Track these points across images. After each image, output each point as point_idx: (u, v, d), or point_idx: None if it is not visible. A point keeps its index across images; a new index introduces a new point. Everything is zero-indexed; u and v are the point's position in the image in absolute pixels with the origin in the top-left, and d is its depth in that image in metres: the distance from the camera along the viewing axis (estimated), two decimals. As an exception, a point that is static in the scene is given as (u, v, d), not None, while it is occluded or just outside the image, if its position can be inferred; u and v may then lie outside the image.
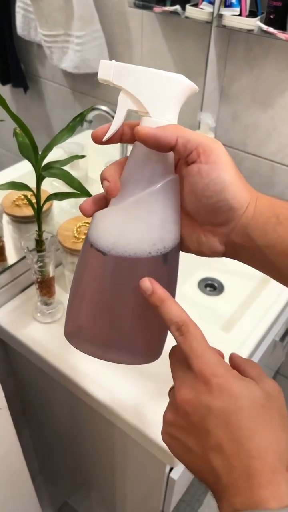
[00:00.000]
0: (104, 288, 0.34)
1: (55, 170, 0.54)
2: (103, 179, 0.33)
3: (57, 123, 1.04)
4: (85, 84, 1.04)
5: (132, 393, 0.63)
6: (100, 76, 0.32)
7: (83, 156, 0.60)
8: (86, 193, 0.53)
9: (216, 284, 0.97)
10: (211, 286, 0.97)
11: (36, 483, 1.17)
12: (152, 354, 0.37)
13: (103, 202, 0.35)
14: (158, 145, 0.31)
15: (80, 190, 0.53)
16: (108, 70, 0.31)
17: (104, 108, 0.89)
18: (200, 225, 0.34)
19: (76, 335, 0.36)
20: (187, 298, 0.95)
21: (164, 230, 0.33)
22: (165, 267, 0.34)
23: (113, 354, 0.36)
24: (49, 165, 0.55)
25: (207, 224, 0.34)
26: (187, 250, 0.36)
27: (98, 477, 0.89)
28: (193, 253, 0.36)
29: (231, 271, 1.00)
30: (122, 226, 0.33)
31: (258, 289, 0.94)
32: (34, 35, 0.96)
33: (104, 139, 0.33)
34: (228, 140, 1.10)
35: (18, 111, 0.91)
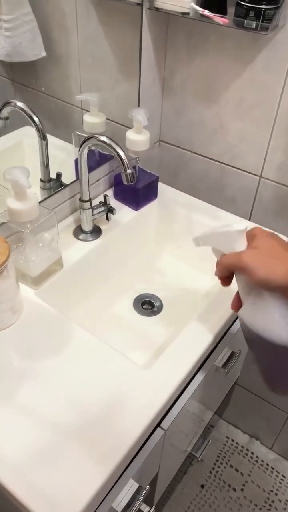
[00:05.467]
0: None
1: None
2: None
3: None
4: (24, 75, 0.93)
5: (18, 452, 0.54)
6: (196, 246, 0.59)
7: None
8: None
9: (154, 302, 0.87)
10: (149, 304, 0.87)
11: None
12: None
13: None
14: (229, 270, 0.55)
15: None
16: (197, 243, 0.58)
17: (19, 104, 0.78)
18: None
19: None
20: (119, 318, 0.85)
21: None
22: None
23: None
24: None
25: None
26: None
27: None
28: None
29: (172, 287, 0.90)
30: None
31: (197, 307, 0.84)
32: None
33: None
34: (174, 138, 0.99)
35: None
